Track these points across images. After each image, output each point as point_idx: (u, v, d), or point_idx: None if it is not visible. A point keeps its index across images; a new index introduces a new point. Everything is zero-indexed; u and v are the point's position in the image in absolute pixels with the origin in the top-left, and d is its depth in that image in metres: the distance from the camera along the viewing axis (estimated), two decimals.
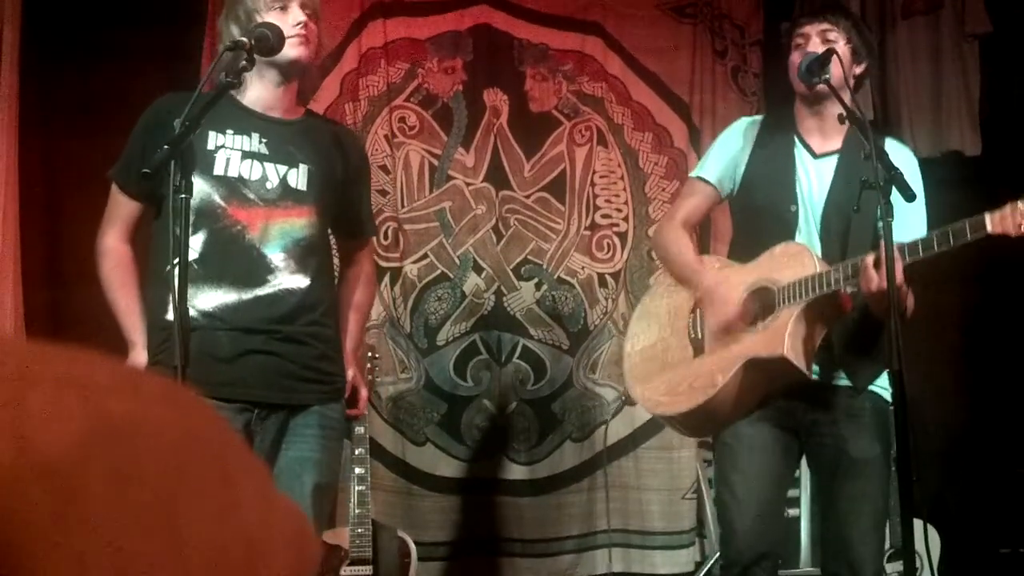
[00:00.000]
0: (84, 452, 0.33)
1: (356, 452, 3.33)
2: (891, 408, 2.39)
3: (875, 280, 2.30)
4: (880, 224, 2.33)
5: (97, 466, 0.33)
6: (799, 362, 2.46)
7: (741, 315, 2.59)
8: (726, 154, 2.79)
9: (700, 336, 2.69)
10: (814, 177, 2.65)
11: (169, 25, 3.91)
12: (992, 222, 2.28)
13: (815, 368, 2.54)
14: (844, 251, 2.53)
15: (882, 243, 2.29)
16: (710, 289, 2.66)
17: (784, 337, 2.46)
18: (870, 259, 2.33)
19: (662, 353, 2.77)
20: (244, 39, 2.25)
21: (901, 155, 2.58)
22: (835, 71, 2.52)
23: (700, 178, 2.82)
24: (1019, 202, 2.27)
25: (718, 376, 2.58)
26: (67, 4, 3.79)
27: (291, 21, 2.36)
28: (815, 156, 2.67)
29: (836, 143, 2.66)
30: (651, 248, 4.26)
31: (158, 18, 3.87)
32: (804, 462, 2.95)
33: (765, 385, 2.58)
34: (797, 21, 2.73)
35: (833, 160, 2.65)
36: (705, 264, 2.76)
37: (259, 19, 2.36)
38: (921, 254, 2.34)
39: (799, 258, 2.54)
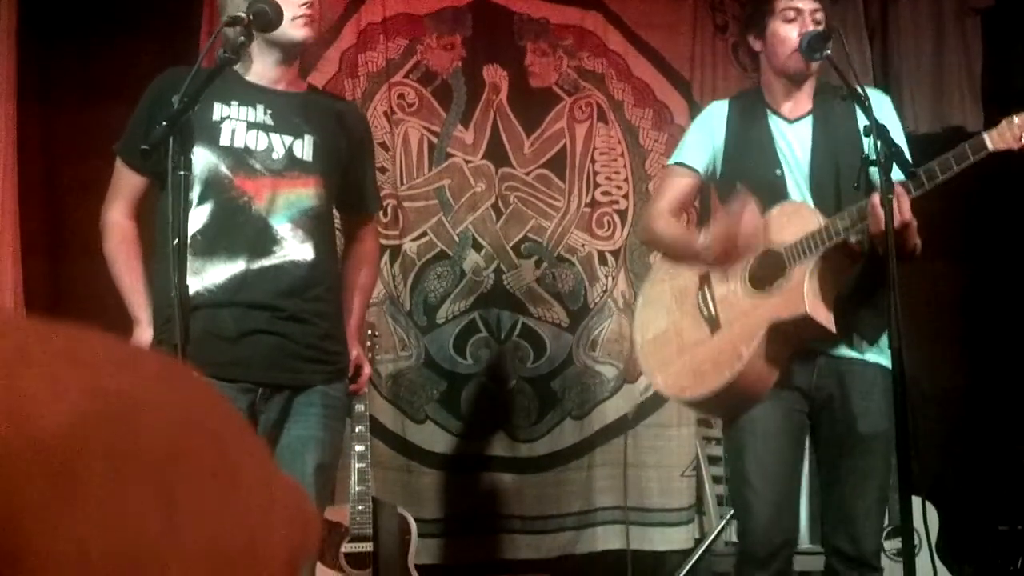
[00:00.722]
0: (82, 430, 0.32)
1: (356, 430, 3.33)
2: None
3: (883, 219, 2.27)
4: (871, 174, 2.34)
5: (95, 444, 0.32)
6: (822, 318, 2.45)
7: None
8: (702, 137, 2.77)
9: (714, 313, 2.64)
10: (794, 141, 2.65)
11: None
12: (992, 140, 2.30)
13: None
14: (835, 208, 2.52)
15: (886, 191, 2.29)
16: (718, 236, 2.52)
17: (803, 295, 2.45)
18: (876, 198, 2.30)
19: (676, 337, 2.71)
20: (242, 14, 2.24)
21: (878, 102, 2.55)
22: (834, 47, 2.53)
23: (679, 163, 2.78)
24: (1014, 116, 2.30)
25: (742, 347, 2.54)
26: None
27: (298, 0, 2.35)
28: (789, 122, 2.67)
29: (806, 106, 2.67)
30: (639, 240, 4.21)
31: None
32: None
33: (790, 349, 2.55)
34: None
35: (808, 122, 2.65)
36: (698, 233, 2.72)
37: None
38: (927, 184, 2.33)
39: (798, 215, 2.53)
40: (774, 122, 2.67)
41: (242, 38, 2.23)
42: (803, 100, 2.67)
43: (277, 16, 2.29)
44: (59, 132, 3.80)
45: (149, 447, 0.34)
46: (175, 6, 3.90)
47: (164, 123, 2.02)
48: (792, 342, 2.54)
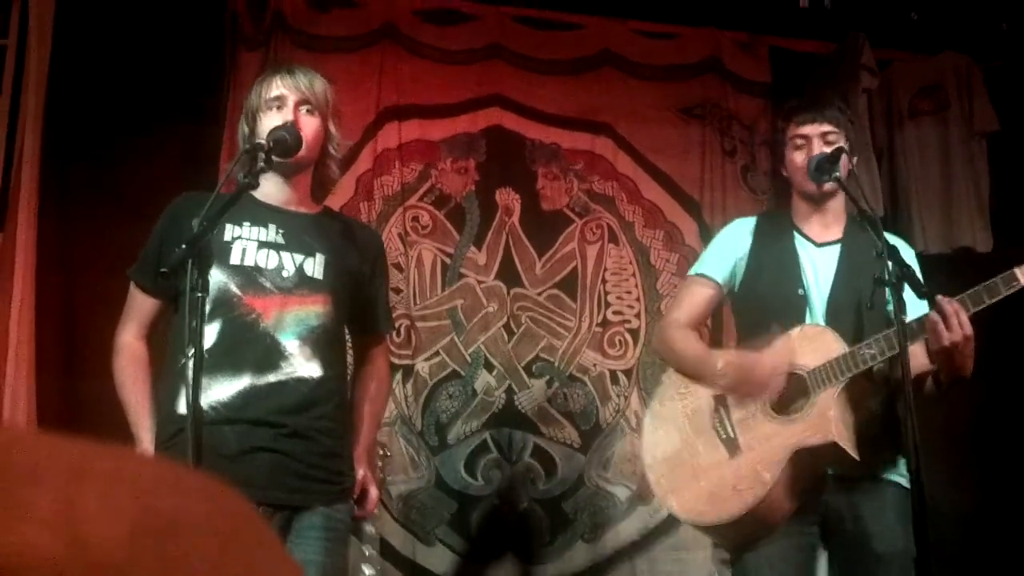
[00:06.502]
0: (133, 548, 0.33)
1: (367, 552, 3.28)
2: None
3: (945, 334, 2.30)
4: (890, 312, 2.35)
5: (145, 562, 0.33)
6: (848, 446, 2.41)
7: (780, 391, 2.52)
8: (726, 251, 2.79)
9: (732, 435, 2.59)
10: (819, 264, 2.66)
11: (189, 124, 3.98)
12: (1023, 274, 2.30)
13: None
14: (853, 338, 2.52)
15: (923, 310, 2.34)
16: (737, 369, 2.56)
17: (830, 422, 2.42)
18: (936, 315, 2.32)
19: (691, 459, 2.63)
20: (263, 141, 2.30)
21: (901, 250, 2.59)
22: (843, 168, 2.57)
23: (701, 275, 2.80)
24: None
25: (765, 473, 2.48)
26: (89, 102, 3.87)
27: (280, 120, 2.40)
28: (817, 245, 2.69)
29: (836, 233, 2.69)
30: (652, 349, 4.23)
31: (178, 117, 3.95)
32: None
33: (811, 475, 2.51)
34: (793, 119, 2.73)
35: (836, 249, 2.67)
36: (715, 356, 2.70)
37: (260, 119, 2.43)
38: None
39: (820, 340, 2.52)
40: (801, 243, 2.70)
41: (262, 164, 2.28)
42: (832, 225, 2.69)
43: (296, 142, 2.35)
44: (77, 251, 3.85)
45: (194, 562, 0.34)
46: (195, 131, 4.00)
47: (184, 246, 2.03)
48: (813, 468, 2.50)
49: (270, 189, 2.46)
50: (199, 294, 2.03)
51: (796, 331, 2.56)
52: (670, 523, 4.10)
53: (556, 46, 4.53)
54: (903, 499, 2.45)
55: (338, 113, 2.57)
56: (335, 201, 3.93)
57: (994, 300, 2.34)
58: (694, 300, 2.79)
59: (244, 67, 4.03)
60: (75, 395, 3.72)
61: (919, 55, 4.68)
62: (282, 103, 2.44)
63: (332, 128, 2.53)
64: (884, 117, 4.62)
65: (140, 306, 2.47)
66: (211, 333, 2.30)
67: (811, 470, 2.50)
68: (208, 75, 4.04)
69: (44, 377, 3.63)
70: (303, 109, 2.45)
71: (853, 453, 2.41)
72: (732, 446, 2.58)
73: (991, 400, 4.49)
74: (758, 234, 2.76)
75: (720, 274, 2.76)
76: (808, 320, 2.60)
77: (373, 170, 4.26)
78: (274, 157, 2.30)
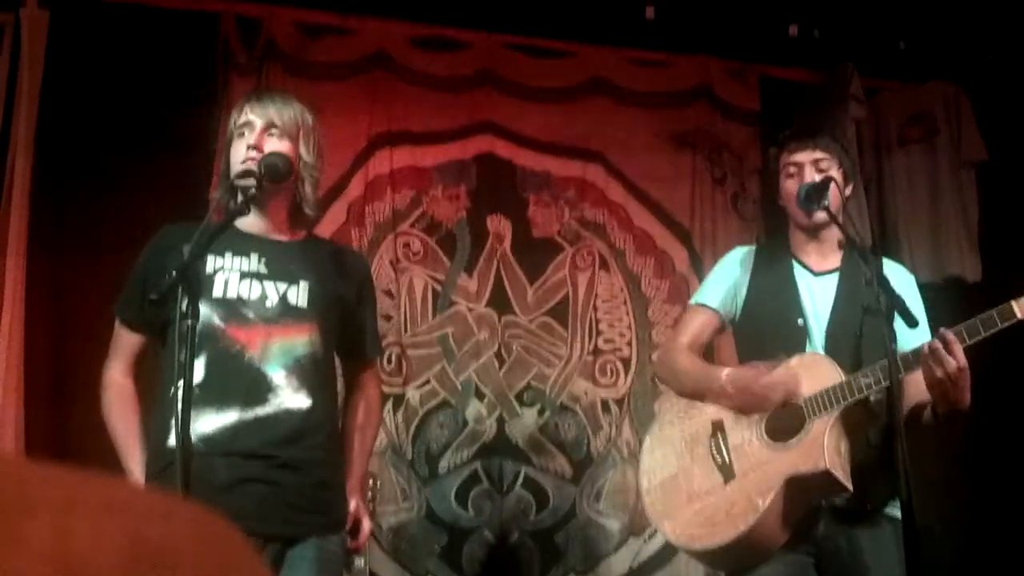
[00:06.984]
0: None
1: None
2: None
3: (938, 366, 2.29)
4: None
5: None
6: (840, 474, 2.40)
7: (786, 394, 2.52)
8: (725, 280, 2.80)
9: (728, 461, 2.59)
10: (818, 294, 2.66)
11: (181, 151, 3.98)
12: (1020, 308, 2.29)
13: None
14: (852, 367, 2.51)
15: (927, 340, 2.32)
16: (738, 380, 2.57)
17: (823, 450, 2.41)
18: (928, 347, 2.31)
19: (686, 483, 2.64)
20: (254, 168, 2.29)
21: (899, 276, 2.60)
22: (833, 198, 2.58)
23: (701, 304, 2.80)
24: None
25: (758, 499, 2.48)
26: (80, 130, 3.87)
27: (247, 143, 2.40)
28: (815, 274, 2.69)
29: (835, 262, 2.70)
30: (654, 374, 4.23)
31: (170, 145, 3.95)
32: None
33: (805, 504, 2.50)
34: (786, 147, 2.75)
35: (834, 278, 2.67)
36: (718, 371, 2.69)
37: (231, 147, 2.43)
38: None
39: (818, 368, 2.51)
40: (799, 273, 2.70)
41: (253, 191, 2.28)
42: (830, 256, 2.70)
43: (287, 167, 2.34)
44: (66, 278, 3.84)
45: None
46: (187, 158, 3.99)
47: (174, 273, 2.01)
48: (808, 497, 2.49)
49: (250, 219, 2.43)
50: (189, 321, 2.01)
51: (795, 359, 2.56)
52: (663, 555, 4.08)
53: (547, 73, 4.55)
54: (900, 530, 2.44)
55: (313, 137, 2.51)
56: (327, 228, 3.94)
57: (990, 333, 2.32)
58: (696, 328, 2.80)
59: (238, 93, 4.02)
60: (64, 423, 3.70)
61: (908, 84, 4.71)
62: (249, 128, 2.43)
63: (304, 153, 2.48)
64: (873, 145, 4.65)
65: (125, 342, 2.46)
66: (198, 368, 2.28)
67: (804, 498, 2.49)
68: (201, 102, 4.04)
69: (33, 405, 3.62)
70: (270, 133, 2.43)
71: (846, 483, 2.40)
72: (727, 472, 2.58)
73: (984, 429, 4.49)
74: (757, 263, 2.77)
75: (720, 303, 2.78)
76: (808, 350, 2.59)
77: (365, 196, 4.26)
78: (266, 181, 2.30)
